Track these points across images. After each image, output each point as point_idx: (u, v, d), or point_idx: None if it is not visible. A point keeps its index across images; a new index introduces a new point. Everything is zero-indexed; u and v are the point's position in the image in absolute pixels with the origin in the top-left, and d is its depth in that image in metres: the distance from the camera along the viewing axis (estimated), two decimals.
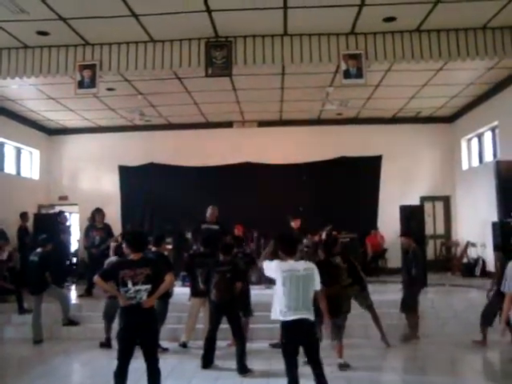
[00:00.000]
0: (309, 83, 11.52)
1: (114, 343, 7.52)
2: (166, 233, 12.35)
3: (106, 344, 7.92)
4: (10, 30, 8.44)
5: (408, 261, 8.63)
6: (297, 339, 5.05)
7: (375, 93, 12.42)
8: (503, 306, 6.62)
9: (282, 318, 5.02)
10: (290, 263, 5.16)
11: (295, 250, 5.39)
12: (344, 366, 6.70)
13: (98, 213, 10.97)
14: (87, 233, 11.03)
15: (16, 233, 12.47)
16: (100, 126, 15.44)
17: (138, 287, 4.98)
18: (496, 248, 8.55)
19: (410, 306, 8.19)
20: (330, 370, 5.68)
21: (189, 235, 10.05)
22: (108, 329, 8.02)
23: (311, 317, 5.03)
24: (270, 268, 5.25)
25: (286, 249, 5.28)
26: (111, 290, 5.26)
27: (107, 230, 10.83)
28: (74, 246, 14.50)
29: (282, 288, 5.03)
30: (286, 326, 5.02)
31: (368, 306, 7.97)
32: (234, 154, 14.82)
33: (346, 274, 7.46)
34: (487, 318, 7.74)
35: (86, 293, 10.39)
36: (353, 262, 7.82)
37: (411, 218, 11.51)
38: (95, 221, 10.96)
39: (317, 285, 5.19)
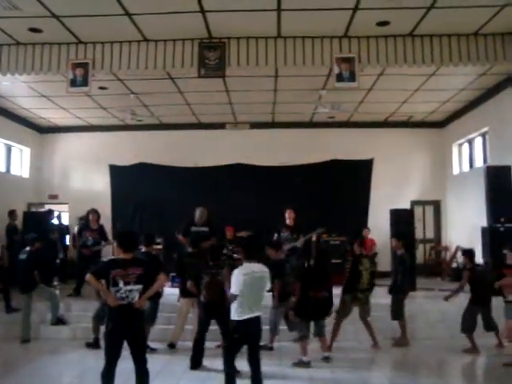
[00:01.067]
0: (301, 86, 11.55)
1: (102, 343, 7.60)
2: (156, 233, 12.38)
3: (94, 344, 7.87)
4: (2, 26, 8.38)
5: (395, 266, 8.68)
6: (248, 336, 5.47)
7: (367, 96, 12.46)
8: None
9: (237, 318, 5.40)
10: (250, 266, 5.55)
11: (257, 255, 5.76)
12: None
13: (92, 213, 10.82)
14: (80, 232, 10.95)
15: (5, 231, 12.37)
16: (92, 125, 15.37)
17: (129, 287, 4.96)
18: (465, 252, 8.55)
19: (396, 312, 8.23)
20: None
21: (179, 237, 9.96)
22: (96, 329, 7.97)
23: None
24: (235, 281, 5.47)
25: (249, 253, 5.66)
26: (102, 288, 5.22)
27: (101, 232, 10.76)
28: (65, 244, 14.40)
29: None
30: (240, 324, 5.39)
31: (365, 318, 8.05)
32: (226, 156, 14.79)
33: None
34: (467, 327, 7.80)
35: (75, 292, 10.34)
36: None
37: (401, 221, 11.56)
38: (89, 221, 10.84)
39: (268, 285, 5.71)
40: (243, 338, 5.48)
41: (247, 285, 5.37)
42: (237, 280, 5.40)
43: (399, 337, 8.26)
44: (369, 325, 8.04)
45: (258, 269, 5.55)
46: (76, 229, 13.01)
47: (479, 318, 7.87)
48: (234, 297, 5.39)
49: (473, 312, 7.81)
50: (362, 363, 7.31)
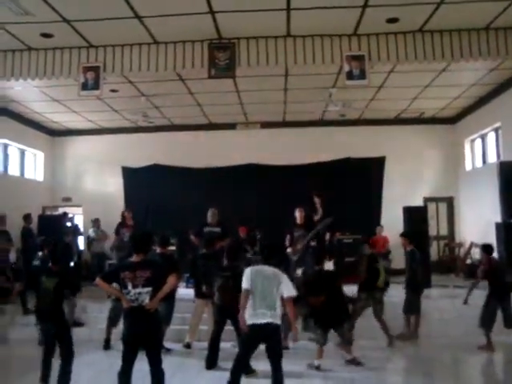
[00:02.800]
0: (312, 84, 11.54)
1: (113, 344, 7.66)
2: (170, 234, 12.46)
3: (105, 345, 7.96)
4: (15, 31, 8.48)
5: (407, 263, 8.67)
6: (258, 341, 5.47)
7: (378, 94, 12.42)
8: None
9: (248, 321, 5.38)
10: (261, 266, 5.63)
11: (268, 259, 5.75)
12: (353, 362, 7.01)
13: (128, 211, 12.01)
14: (118, 231, 11.68)
15: (20, 234, 12.49)
16: (103, 128, 15.47)
17: (138, 290, 4.97)
18: (485, 248, 8.40)
19: (410, 305, 8.23)
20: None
21: (191, 237, 10.10)
22: (109, 331, 8.04)
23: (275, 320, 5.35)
24: (244, 276, 5.54)
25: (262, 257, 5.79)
26: (113, 291, 5.26)
27: (136, 227, 11.56)
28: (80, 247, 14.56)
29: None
30: (251, 328, 5.37)
31: (380, 316, 8.03)
32: (237, 156, 14.80)
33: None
34: (485, 322, 7.71)
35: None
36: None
37: (414, 219, 11.51)
38: (125, 218, 11.72)
39: (286, 291, 5.46)
40: (253, 343, 5.48)
41: (257, 281, 5.42)
42: (246, 275, 5.51)
43: (406, 331, 8.25)
44: (384, 323, 8.02)
45: (271, 270, 5.55)
46: (91, 232, 13.16)
47: (499, 315, 7.76)
48: (246, 292, 5.42)
49: (492, 307, 7.72)
50: (376, 362, 7.28)
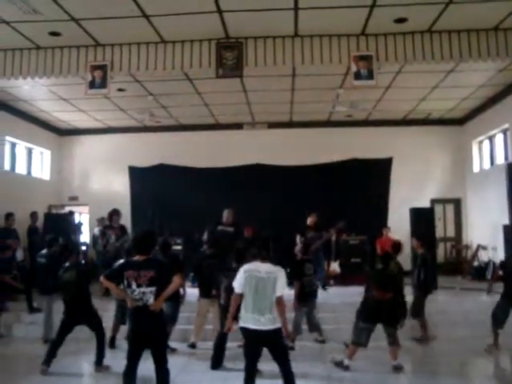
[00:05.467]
0: (319, 85, 11.51)
1: (119, 343, 7.65)
2: (176, 233, 12.49)
3: (110, 344, 7.95)
4: (23, 30, 8.50)
5: (416, 266, 8.63)
6: (257, 346, 5.15)
7: (386, 94, 12.38)
8: None
9: (241, 324, 5.10)
10: (255, 264, 5.20)
11: (265, 254, 5.26)
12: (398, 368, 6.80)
13: (115, 213, 11.23)
14: (104, 232, 11.36)
15: (26, 232, 12.54)
16: (110, 127, 15.51)
17: (142, 289, 4.95)
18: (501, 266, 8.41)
19: (416, 310, 8.19)
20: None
21: (205, 236, 10.18)
22: (115, 329, 8.04)
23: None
24: (236, 279, 5.21)
25: (258, 251, 5.28)
26: (117, 290, 5.26)
27: (123, 230, 11.09)
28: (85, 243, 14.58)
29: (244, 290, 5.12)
30: (244, 332, 5.09)
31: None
32: (244, 156, 14.81)
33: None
34: (496, 320, 7.66)
35: (107, 292, 10.36)
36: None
37: (422, 220, 11.46)
38: (112, 220, 11.21)
39: (279, 290, 5.07)
40: (252, 349, 5.17)
41: (250, 284, 5.04)
42: (238, 277, 5.15)
43: (421, 334, 8.21)
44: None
45: (265, 269, 5.09)
46: (96, 230, 13.18)
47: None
48: (238, 296, 5.14)
49: (503, 307, 7.69)
50: (381, 363, 7.23)
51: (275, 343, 5.09)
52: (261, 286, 5.01)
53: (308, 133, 14.94)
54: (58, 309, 8.67)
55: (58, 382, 6.59)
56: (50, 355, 6.81)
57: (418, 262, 8.59)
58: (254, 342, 5.08)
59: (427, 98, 12.84)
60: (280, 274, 5.10)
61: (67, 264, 7.22)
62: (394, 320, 6.83)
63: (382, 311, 6.70)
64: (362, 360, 6.97)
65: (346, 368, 6.75)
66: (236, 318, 5.67)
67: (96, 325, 7.06)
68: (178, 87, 11.59)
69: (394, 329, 6.84)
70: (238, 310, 5.23)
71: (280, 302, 5.09)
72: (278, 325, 5.05)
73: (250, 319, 4.99)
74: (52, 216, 13.47)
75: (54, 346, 6.90)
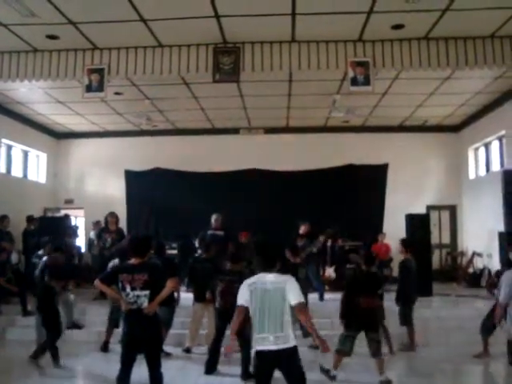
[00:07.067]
0: (316, 90, 11.54)
1: (113, 347, 7.61)
2: (171, 237, 12.44)
3: (103, 348, 7.93)
4: (20, 33, 8.49)
5: (398, 273, 8.55)
6: (268, 372, 4.38)
7: (382, 101, 12.42)
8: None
9: (255, 347, 4.36)
10: (260, 275, 4.48)
11: (270, 264, 4.53)
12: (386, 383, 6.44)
13: (111, 216, 11.05)
14: (100, 235, 11.18)
15: (21, 235, 12.49)
16: (107, 131, 15.50)
17: (136, 292, 4.93)
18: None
19: (403, 318, 8.15)
20: None
21: (196, 242, 10.13)
22: (109, 333, 8.01)
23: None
24: (239, 293, 4.51)
25: (260, 261, 4.57)
26: (111, 293, 5.24)
27: (119, 233, 10.89)
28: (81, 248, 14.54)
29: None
30: (258, 356, 4.36)
31: (381, 321, 7.95)
32: (240, 161, 14.81)
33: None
34: (485, 328, 7.66)
35: (101, 295, 10.30)
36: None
37: (417, 226, 11.45)
38: (108, 223, 11.02)
39: (293, 299, 4.30)
40: (263, 373, 4.40)
41: (256, 299, 4.34)
42: (241, 291, 4.48)
43: (407, 342, 8.19)
44: (386, 330, 7.96)
45: (271, 279, 4.38)
46: (92, 233, 13.14)
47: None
48: (241, 308, 4.43)
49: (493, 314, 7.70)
50: (375, 368, 7.21)
51: (289, 365, 4.33)
52: (267, 299, 4.32)
53: (304, 138, 14.95)
54: None
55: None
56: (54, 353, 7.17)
57: (399, 270, 8.54)
58: (262, 365, 4.37)
59: (424, 105, 12.88)
60: (289, 282, 4.38)
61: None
62: (375, 324, 6.65)
63: (366, 318, 6.53)
64: (356, 365, 6.95)
65: (333, 378, 6.50)
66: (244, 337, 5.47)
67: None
68: (174, 91, 11.60)
69: (376, 334, 6.62)
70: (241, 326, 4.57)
71: (300, 309, 4.33)
72: (293, 343, 4.31)
73: (258, 340, 4.31)
74: (47, 219, 13.43)
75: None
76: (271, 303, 4.31)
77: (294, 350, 4.32)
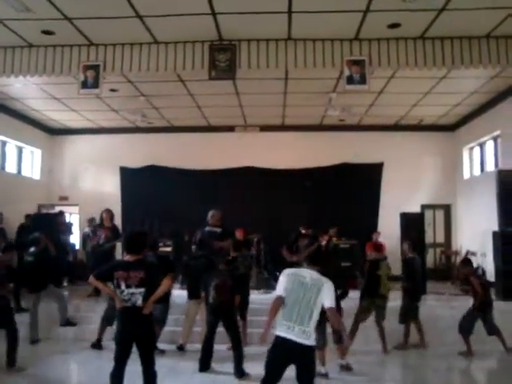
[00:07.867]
0: (312, 88, 11.54)
1: (107, 344, 7.58)
2: (166, 235, 12.40)
3: (96, 345, 7.90)
4: (16, 28, 8.46)
5: (407, 271, 8.63)
6: (284, 360, 4.47)
7: (378, 99, 12.43)
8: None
9: (276, 332, 4.46)
10: (300, 269, 4.67)
11: (315, 261, 4.74)
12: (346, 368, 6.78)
13: (106, 212, 10.91)
14: (95, 231, 11.09)
15: (16, 232, 12.44)
16: (102, 127, 15.45)
17: (131, 290, 4.93)
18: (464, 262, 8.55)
19: (405, 315, 8.19)
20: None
21: (196, 237, 10.11)
22: (102, 330, 7.98)
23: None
24: (279, 281, 4.65)
25: (309, 259, 4.77)
26: (107, 290, 5.22)
27: (114, 230, 10.81)
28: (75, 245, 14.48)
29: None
30: (277, 340, 4.45)
31: (380, 322, 7.98)
32: (236, 158, 14.82)
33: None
34: (465, 328, 7.81)
35: (95, 292, 10.26)
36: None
37: (411, 225, 11.48)
38: (103, 220, 10.93)
39: (327, 301, 4.42)
40: (277, 361, 4.47)
41: (292, 287, 4.47)
42: (281, 279, 4.61)
43: (403, 341, 8.23)
44: (382, 329, 7.98)
45: (311, 275, 4.53)
46: (87, 229, 13.10)
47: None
48: (278, 299, 4.51)
49: (474, 316, 7.82)
50: (371, 367, 7.24)
51: (304, 361, 4.41)
52: (302, 292, 4.43)
53: (300, 137, 14.96)
54: (44, 309, 8.68)
55: (44, 382, 6.53)
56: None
57: (404, 267, 8.65)
58: (280, 352, 4.43)
59: (419, 104, 12.91)
60: (327, 284, 4.50)
61: None
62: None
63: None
64: (353, 364, 6.97)
65: (325, 376, 6.51)
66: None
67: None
68: (170, 88, 11.57)
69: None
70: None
71: (333, 312, 4.47)
72: (312, 342, 4.41)
73: (283, 326, 4.40)
74: (41, 216, 13.37)
75: None
76: (305, 297, 4.42)
77: (312, 348, 4.44)
